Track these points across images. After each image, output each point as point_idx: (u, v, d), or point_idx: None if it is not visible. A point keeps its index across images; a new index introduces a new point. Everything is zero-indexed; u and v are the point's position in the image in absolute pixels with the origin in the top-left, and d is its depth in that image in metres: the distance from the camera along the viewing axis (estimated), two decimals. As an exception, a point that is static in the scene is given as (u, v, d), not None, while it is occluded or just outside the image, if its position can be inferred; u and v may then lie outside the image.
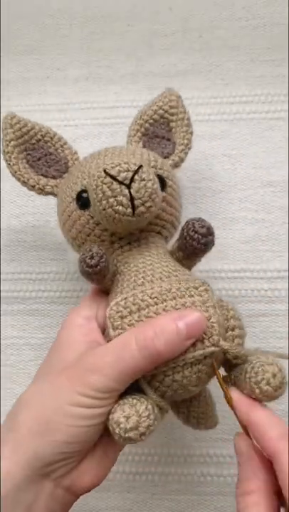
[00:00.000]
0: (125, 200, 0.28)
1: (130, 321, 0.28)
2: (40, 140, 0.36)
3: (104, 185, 0.28)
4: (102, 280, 0.31)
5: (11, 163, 0.35)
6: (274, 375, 0.26)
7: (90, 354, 0.27)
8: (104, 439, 0.28)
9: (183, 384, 0.28)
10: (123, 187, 0.28)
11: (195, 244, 0.30)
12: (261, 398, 0.27)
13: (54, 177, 0.35)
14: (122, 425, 0.25)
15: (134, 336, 0.26)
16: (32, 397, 0.27)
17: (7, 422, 0.27)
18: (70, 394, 0.26)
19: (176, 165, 0.36)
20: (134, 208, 0.28)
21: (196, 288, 0.29)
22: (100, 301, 0.32)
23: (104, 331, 0.30)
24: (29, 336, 0.44)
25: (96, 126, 0.45)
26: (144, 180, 0.28)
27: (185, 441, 0.42)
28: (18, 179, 0.35)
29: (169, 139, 0.37)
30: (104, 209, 0.29)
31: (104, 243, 0.32)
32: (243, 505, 0.24)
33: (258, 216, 0.43)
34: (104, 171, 0.28)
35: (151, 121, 0.37)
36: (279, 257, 0.42)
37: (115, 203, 0.28)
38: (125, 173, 0.28)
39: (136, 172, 0.28)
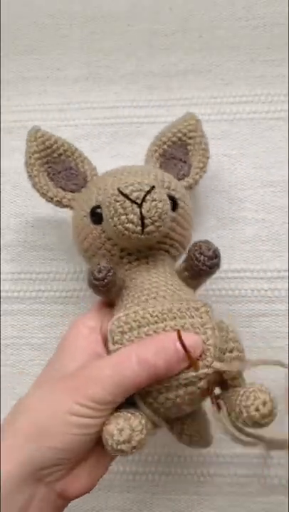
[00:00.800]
0: (136, 219, 0.30)
1: (130, 337, 0.29)
2: (61, 154, 0.38)
3: (116, 203, 0.30)
4: (108, 293, 0.32)
5: (32, 175, 0.36)
6: (264, 403, 0.27)
7: (90, 366, 0.28)
8: (97, 447, 0.28)
9: (176, 403, 0.29)
10: (134, 206, 0.30)
11: (200, 265, 0.32)
12: (247, 423, 0.27)
13: (72, 191, 0.37)
14: (115, 437, 0.26)
15: (134, 352, 0.27)
16: (31, 403, 0.28)
17: (5, 425, 0.28)
18: (69, 403, 0.27)
19: (190, 187, 0.38)
20: (143, 226, 0.30)
21: (197, 309, 0.30)
22: (105, 312, 0.33)
23: (106, 342, 0.31)
24: (29, 336, 0.44)
25: (96, 126, 0.45)
26: (155, 200, 0.30)
27: (185, 441, 0.42)
28: (38, 190, 0.37)
29: (185, 162, 0.38)
30: (115, 225, 0.30)
31: (113, 257, 0.33)
32: None
33: (258, 216, 0.43)
34: (118, 189, 0.30)
35: (169, 143, 0.38)
36: (279, 257, 0.42)
37: (126, 221, 0.30)
38: (138, 192, 0.30)
39: (148, 192, 0.30)
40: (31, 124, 0.38)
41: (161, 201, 0.30)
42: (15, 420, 0.27)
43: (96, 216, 0.33)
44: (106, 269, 0.31)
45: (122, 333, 0.29)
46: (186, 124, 0.39)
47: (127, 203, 0.30)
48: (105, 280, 0.31)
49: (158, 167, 0.38)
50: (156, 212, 0.30)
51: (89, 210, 0.33)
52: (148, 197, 0.30)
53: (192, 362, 0.28)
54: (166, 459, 0.42)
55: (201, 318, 0.30)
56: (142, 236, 0.30)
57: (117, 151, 0.44)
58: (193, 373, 0.28)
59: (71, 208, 0.36)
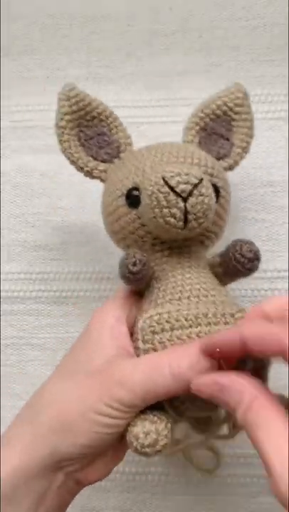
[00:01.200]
0: (179, 213, 0.28)
1: (161, 338, 0.28)
2: (95, 117, 0.34)
3: (160, 194, 0.28)
4: (140, 285, 0.31)
5: (63, 139, 0.33)
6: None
7: (120, 367, 0.27)
8: (117, 442, 0.29)
9: (204, 407, 0.28)
10: (180, 199, 0.28)
11: (239, 267, 0.31)
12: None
13: (104, 160, 0.34)
14: (140, 440, 0.26)
15: (168, 362, 0.26)
16: (57, 396, 0.28)
17: (25, 412, 0.29)
18: (97, 403, 0.26)
19: (229, 168, 0.35)
20: (186, 221, 0.28)
21: (232, 315, 0.29)
22: (132, 301, 0.32)
23: (132, 333, 0.30)
24: (29, 335, 0.44)
25: (96, 126, 0.45)
26: (202, 195, 0.28)
27: (185, 441, 0.42)
28: (68, 157, 0.34)
29: (227, 139, 0.35)
30: (155, 217, 0.28)
31: (145, 244, 0.31)
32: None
33: (258, 216, 0.43)
34: (164, 178, 0.28)
35: (212, 116, 0.35)
36: (279, 257, 0.42)
37: (168, 214, 0.28)
38: (184, 185, 0.27)
39: (195, 186, 0.28)
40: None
41: (207, 196, 0.28)
42: (39, 411, 0.28)
43: (132, 199, 0.30)
44: (141, 263, 0.29)
45: (154, 333, 0.28)
46: (232, 97, 0.35)
47: (172, 195, 0.27)
48: (140, 274, 0.29)
49: (197, 142, 0.35)
50: (201, 208, 0.28)
51: (125, 191, 0.31)
52: (195, 191, 0.28)
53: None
54: (166, 459, 0.42)
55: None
56: (183, 231, 0.29)
57: (117, 151, 0.44)
58: None
59: (102, 180, 0.34)
